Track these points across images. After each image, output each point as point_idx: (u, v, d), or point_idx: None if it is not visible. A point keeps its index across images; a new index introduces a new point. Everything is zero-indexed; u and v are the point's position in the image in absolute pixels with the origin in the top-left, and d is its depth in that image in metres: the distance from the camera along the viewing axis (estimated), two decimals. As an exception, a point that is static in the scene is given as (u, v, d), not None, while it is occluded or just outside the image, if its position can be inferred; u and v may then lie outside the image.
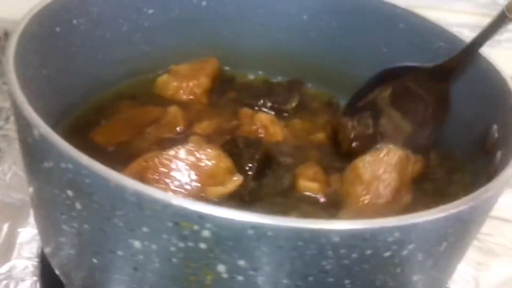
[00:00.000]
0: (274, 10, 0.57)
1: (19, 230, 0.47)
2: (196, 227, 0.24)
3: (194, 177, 0.36)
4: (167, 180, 0.36)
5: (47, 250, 0.38)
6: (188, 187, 0.36)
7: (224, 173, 0.38)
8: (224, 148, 0.41)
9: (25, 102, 0.29)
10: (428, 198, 0.43)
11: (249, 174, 0.40)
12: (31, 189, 0.35)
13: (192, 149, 0.37)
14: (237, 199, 0.37)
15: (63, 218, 0.30)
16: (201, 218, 0.24)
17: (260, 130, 0.48)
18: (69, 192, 0.27)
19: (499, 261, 0.50)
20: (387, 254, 0.25)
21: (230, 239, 0.24)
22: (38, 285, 0.43)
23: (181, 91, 0.53)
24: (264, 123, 0.49)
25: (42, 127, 0.27)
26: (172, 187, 0.35)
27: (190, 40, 0.56)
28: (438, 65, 0.46)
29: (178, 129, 0.47)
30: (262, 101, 0.53)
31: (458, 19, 0.87)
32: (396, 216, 0.24)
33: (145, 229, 0.25)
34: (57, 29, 0.42)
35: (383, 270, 0.27)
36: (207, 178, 0.37)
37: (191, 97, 0.53)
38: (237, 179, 0.38)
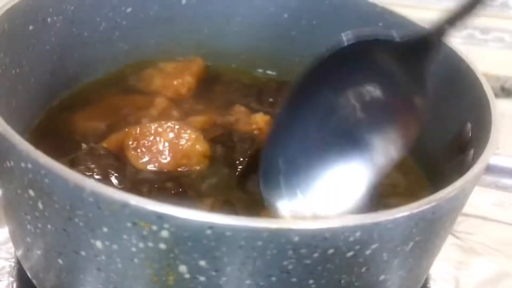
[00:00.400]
0: (255, 9, 0.56)
1: (-5, 230, 0.47)
2: (154, 227, 0.24)
3: (169, 152, 0.38)
4: (144, 150, 0.38)
5: (19, 253, 0.37)
6: (162, 160, 0.38)
7: (198, 156, 0.39)
8: (217, 140, 0.42)
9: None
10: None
11: (238, 169, 0.40)
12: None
13: (173, 126, 0.39)
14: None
15: (27, 218, 0.29)
16: (159, 218, 0.23)
17: (255, 132, 0.48)
18: (31, 192, 0.27)
19: (480, 260, 0.50)
20: (350, 253, 0.25)
21: (189, 240, 0.24)
22: (14, 285, 0.43)
23: (165, 89, 0.53)
24: (259, 124, 0.48)
25: (2, 126, 0.27)
26: (146, 156, 0.37)
27: (170, 38, 0.55)
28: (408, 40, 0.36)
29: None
30: (254, 103, 0.53)
31: (444, 18, 0.87)
32: (357, 215, 0.24)
33: (105, 229, 0.25)
34: (30, 27, 0.42)
35: (347, 270, 0.26)
36: (181, 156, 0.38)
37: (176, 96, 0.52)
38: None
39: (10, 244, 0.46)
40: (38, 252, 0.31)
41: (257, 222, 0.23)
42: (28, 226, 0.30)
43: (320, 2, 0.54)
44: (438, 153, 0.45)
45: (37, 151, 0.25)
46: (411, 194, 0.44)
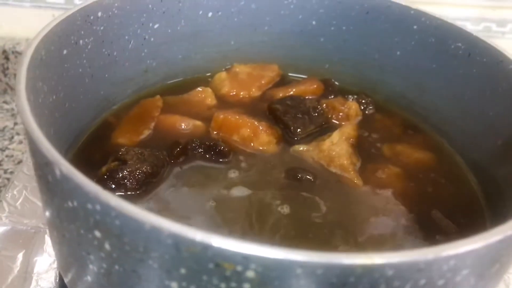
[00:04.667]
0: (282, 17, 0.55)
1: (35, 259, 0.45)
2: (239, 268, 0.22)
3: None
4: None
5: (68, 281, 0.36)
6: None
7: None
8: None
9: (43, 138, 0.27)
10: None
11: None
12: (49, 225, 0.33)
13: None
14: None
15: (90, 258, 0.28)
16: (245, 258, 0.22)
17: (342, 114, 0.51)
18: (97, 233, 0.26)
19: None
20: (440, 282, 0.24)
21: (276, 279, 0.23)
22: (57, 315, 0.42)
23: (231, 94, 0.53)
24: (350, 112, 0.51)
25: (64, 166, 0.25)
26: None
27: (198, 52, 0.54)
28: None
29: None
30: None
31: (460, 13, 0.86)
32: (450, 243, 0.23)
33: (183, 271, 0.24)
34: (64, 51, 0.40)
35: (435, 298, 0.25)
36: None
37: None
38: None
39: (51, 273, 0.45)
40: (100, 291, 0.29)
41: (351, 258, 0.22)
42: (91, 266, 0.28)
43: (350, 7, 0.53)
44: (488, 158, 0.44)
45: (106, 192, 0.24)
46: (463, 202, 0.43)
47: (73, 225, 0.27)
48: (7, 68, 0.75)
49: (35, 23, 0.39)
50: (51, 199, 0.29)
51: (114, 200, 0.24)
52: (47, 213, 0.32)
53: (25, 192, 0.52)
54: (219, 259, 0.23)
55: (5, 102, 0.74)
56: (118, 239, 0.25)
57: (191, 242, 0.22)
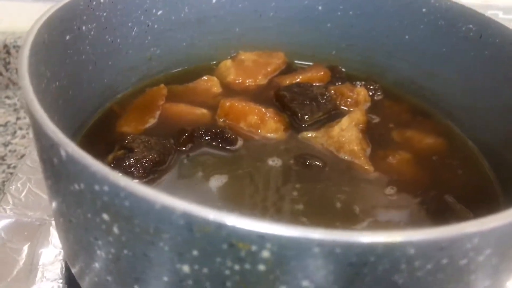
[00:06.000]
0: (287, 3, 0.54)
1: (40, 250, 0.45)
2: (254, 248, 0.22)
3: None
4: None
5: (76, 270, 0.35)
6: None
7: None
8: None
9: (48, 120, 0.26)
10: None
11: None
12: (55, 212, 0.32)
13: None
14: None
15: (98, 244, 0.27)
16: (260, 237, 0.21)
17: (350, 100, 0.50)
18: (105, 216, 0.25)
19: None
20: (463, 262, 0.23)
21: (293, 259, 0.22)
22: (64, 307, 0.41)
23: (236, 82, 0.53)
24: (358, 98, 0.50)
25: (70, 147, 0.24)
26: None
27: (202, 39, 0.53)
28: None
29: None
30: None
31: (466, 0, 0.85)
32: (475, 220, 0.22)
33: (195, 253, 0.23)
34: (67, 37, 0.39)
35: (457, 279, 0.24)
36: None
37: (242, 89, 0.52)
38: None
39: (57, 265, 0.44)
40: (109, 278, 0.29)
41: (372, 236, 0.21)
42: (98, 252, 0.27)
43: (358, -9, 0.52)
44: (501, 142, 0.43)
45: (114, 172, 0.23)
46: (476, 187, 0.42)
47: (80, 210, 0.27)
48: (9, 63, 0.75)
49: (36, 17, 0.38)
50: (56, 184, 0.28)
51: (123, 180, 0.23)
52: (53, 200, 0.31)
53: (29, 185, 0.51)
54: (233, 238, 0.22)
55: (7, 97, 0.73)
56: (127, 221, 0.24)
57: (204, 221, 0.21)
